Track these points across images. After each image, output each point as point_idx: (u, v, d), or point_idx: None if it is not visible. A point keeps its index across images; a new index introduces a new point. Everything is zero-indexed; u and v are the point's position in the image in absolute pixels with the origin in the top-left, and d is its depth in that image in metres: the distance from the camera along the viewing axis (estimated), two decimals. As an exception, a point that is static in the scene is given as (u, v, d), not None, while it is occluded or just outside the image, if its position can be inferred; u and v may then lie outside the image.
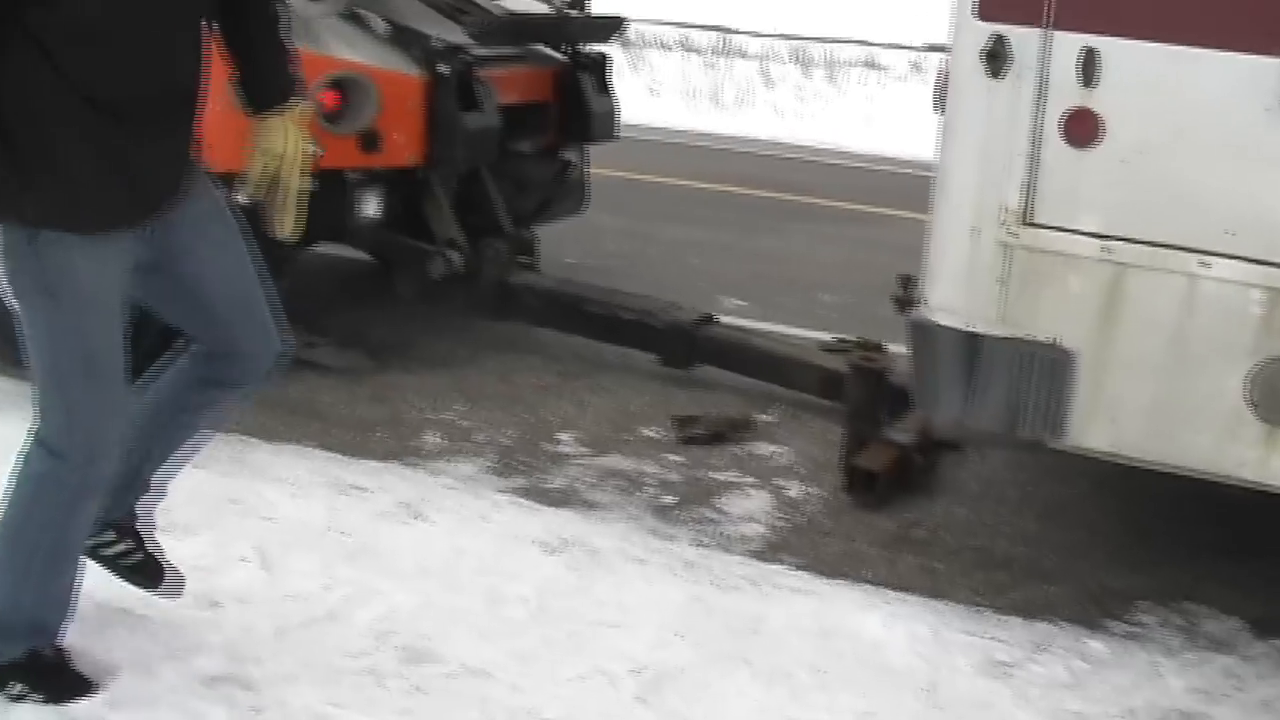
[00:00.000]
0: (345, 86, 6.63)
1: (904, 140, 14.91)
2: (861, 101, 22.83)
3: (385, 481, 5.72)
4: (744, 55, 27.38)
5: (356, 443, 6.21)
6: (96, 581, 4.19)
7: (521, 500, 5.72)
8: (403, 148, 6.90)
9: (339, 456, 5.95)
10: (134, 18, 3.48)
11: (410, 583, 4.79)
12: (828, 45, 26.84)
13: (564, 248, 9.55)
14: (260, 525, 5.18)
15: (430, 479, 5.86)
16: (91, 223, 3.58)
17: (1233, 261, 4.38)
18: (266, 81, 3.89)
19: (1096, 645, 4.83)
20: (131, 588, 4.30)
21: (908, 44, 24.38)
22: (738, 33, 27.62)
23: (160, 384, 4.11)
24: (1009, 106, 4.51)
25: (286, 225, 3.89)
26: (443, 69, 6.92)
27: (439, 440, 6.36)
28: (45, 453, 3.76)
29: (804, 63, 26.75)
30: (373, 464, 5.93)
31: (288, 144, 3.84)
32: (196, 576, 4.62)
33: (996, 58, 4.48)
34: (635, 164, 12.90)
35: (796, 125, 20.34)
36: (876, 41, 26.87)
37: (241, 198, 3.89)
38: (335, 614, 4.57)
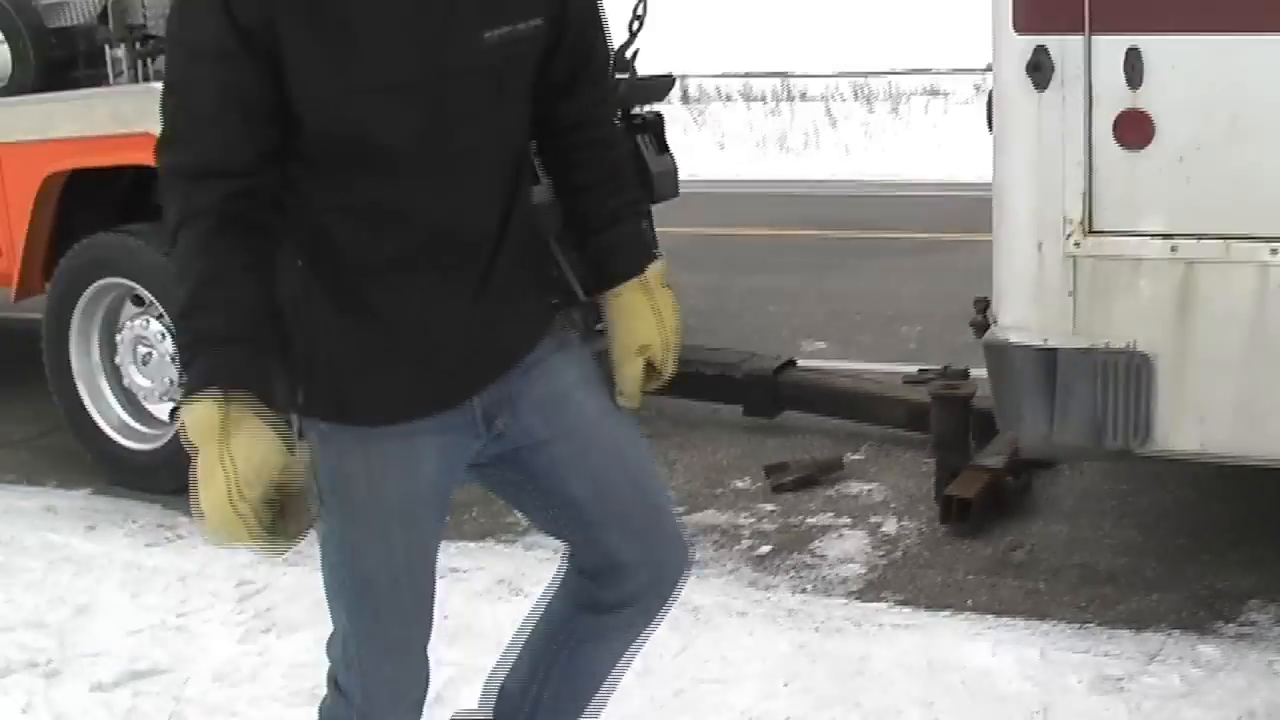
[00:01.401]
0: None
1: (972, 163, 14.84)
2: (927, 130, 22.79)
3: (482, 560, 5.72)
4: (806, 97, 27.42)
5: (451, 525, 6.18)
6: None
7: (620, 565, 5.69)
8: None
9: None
10: (438, 185, 2.77)
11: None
12: (889, 78, 26.84)
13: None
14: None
15: (526, 553, 5.84)
16: (363, 412, 2.86)
17: (1303, 246, 4.31)
18: (612, 242, 3.00)
19: (1209, 650, 4.74)
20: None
21: (969, 67, 24.27)
22: (798, 76, 27.67)
23: (548, 608, 3.34)
24: (1058, 116, 4.47)
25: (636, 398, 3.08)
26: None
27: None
28: (331, 685, 3.17)
29: (867, 98, 26.75)
30: (469, 544, 5.93)
31: (664, 328, 3.01)
32: (300, 674, 4.64)
33: (1040, 69, 4.44)
34: (706, 219, 12.90)
35: (864, 161, 20.32)
36: (938, 69, 26.85)
37: (623, 404, 3.05)
38: (442, 697, 4.52)
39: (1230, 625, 4.97)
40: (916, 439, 6.59)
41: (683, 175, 8.42)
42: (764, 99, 27.54)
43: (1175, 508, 5.94)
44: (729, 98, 27.95)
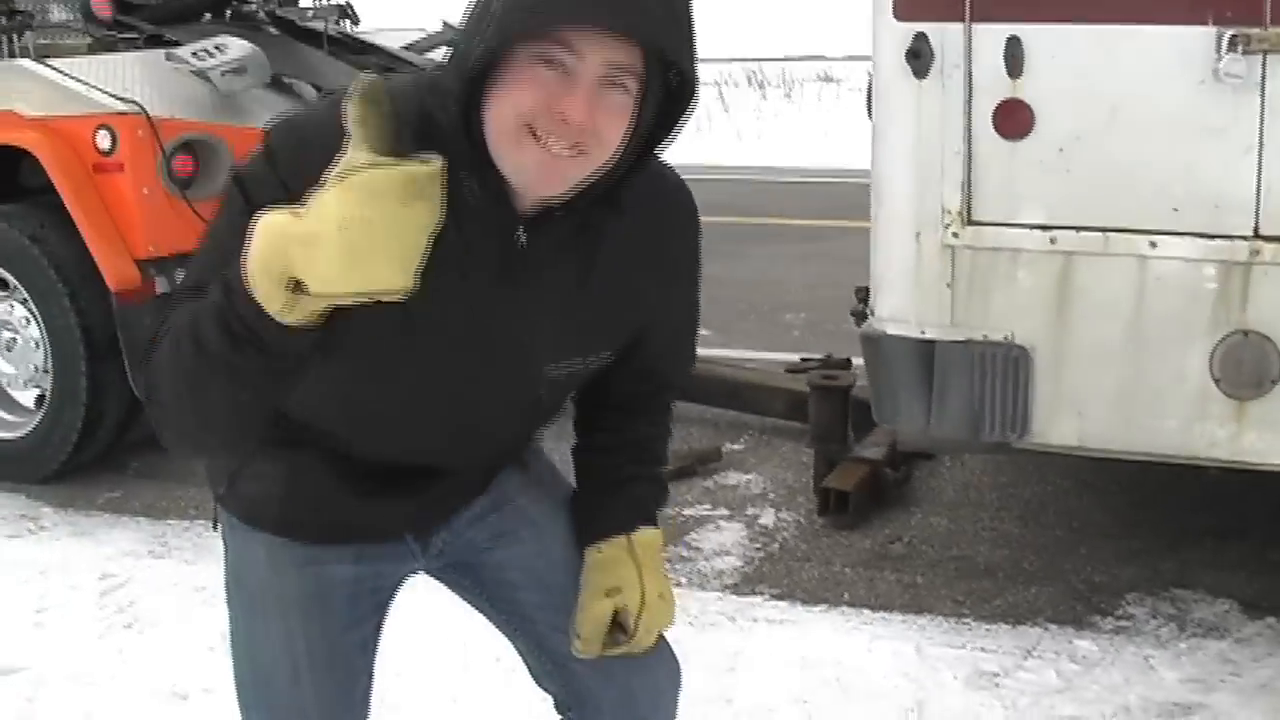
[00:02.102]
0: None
1: (862, 151, 14.83)
2: (819, 117, 22.85)
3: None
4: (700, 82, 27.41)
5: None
6: None
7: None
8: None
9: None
10: (437, 449, 2.57)
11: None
12: (783, 64, 26.89)
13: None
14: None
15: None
16: (275, 530, 2.63)
17: (1181, 238, 4.25)
18: (611, 501, 2.72)
19: (1086, 645, 4.72)
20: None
21: (863, 54, 24.28)
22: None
23: None
24: (937, 105, 4.39)
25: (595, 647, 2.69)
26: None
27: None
28: None
29: (760, 84, 26.78)
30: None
31: (644, 587, 2.66)
32: (160, 673, 4.51)
33: (919, 56, 4.36)
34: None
35: (756, 147, 20.34)
36: (831, 56, 26.90)
37: (578, 650, 2.67)
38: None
39: (1107, 619, 4.94)
40: (796, 430, 6.52)
41: None
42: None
43: (1055, 500, 5.92)
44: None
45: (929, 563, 5.46)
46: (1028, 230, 4.38)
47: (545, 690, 2.89)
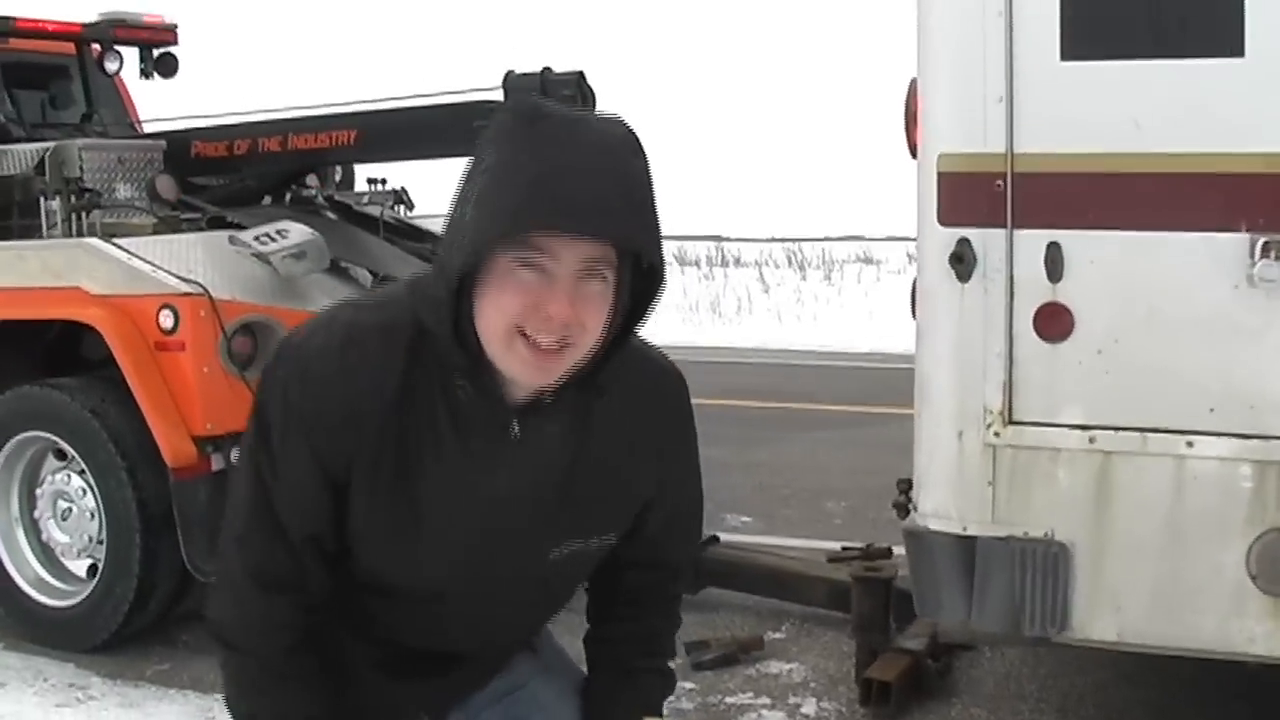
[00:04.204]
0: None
1: (903, 335, 14.92)
2: (859, 298, 22.98)
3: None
4: (739, 263, 27.62)
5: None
6: None
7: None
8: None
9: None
10: (450, 636, 2.76)
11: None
12: (822, 245, 27.08)
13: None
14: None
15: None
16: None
17: (1218, 439, 4.37)
18: (616, 690, 2.89)
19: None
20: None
21: (902, 235, 24.59)
22: (732, 240, 27.86)
23: None
24: (979, 307, 4.52)
25: None
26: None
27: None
28: None
29: (800, 265, 26.96)
30: None
31: None
32: None
33: (962, 260, 4.50)
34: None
35: (796, 329, 20.47)
36: (871, 236, 27.10)
37: None
38: None
39: (1147, 816, 4.96)
40: (838, 619, 6.58)
41: None
42: (697, 264, 27.73)
43: (1094, 692, 5.94)
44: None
45: (970, 753, 5.49)
46: (1068, 430, 4.50)
47: None
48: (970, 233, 4.50)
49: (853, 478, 9.73)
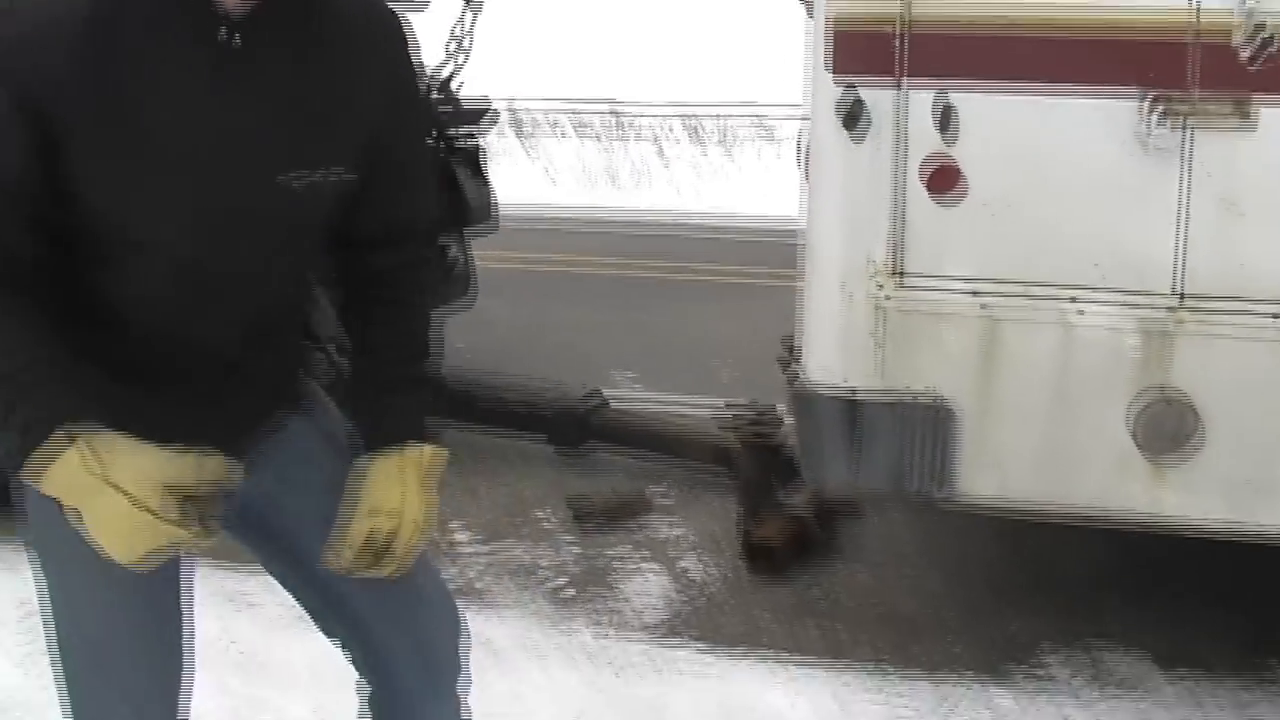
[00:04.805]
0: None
1: (797, 203, 14.85)
2: (760, 174, 22.87)
3: (279, 591, 5.57)
4: (639, 134, 27.41)
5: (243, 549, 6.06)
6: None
7: (416, 598, 5.58)
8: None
9: (228, 565, 5.79)
10: (192, 300, 2.55)
11: (303, 693, 4.67)
12: (723, 121, 26.90)
13: (455, 337, 9.43)
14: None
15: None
16: None
17: (1105, 301, 4.34)
18: (381, 409, 2.72)
19: (1003, 699, 4.76)
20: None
21: (800, 104, 24.31)
22: (628, 104, 27.64)
23: None
24: (870, 163, 4.45)
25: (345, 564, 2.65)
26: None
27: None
28: None
29: (699, 138, 26.80)
30: (260, 571, 5.77)
31: (406, 503, 2.64)
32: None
33: (855, 117, 4.42)
34: (532, 251, 12.82)
35: (694, 200, 20.35)
36: (767, 101, 26.92)
37: (332, 564, 2.64)
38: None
39: (1026, 672, 4.99)
40: (725, 480, 6.55)
41: (514, 207, 8.34)
42: (597, 137, 27.49)
43: (978, 554, 5.96)
44: (562, 132, 27.86)
45: (851, 614, 5.50)
46: (956, 289, 4.45)
47: (336, 639, 2.91)
48: (863, 88, 4.42)
49: (741, 340, 9.65)
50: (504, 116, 27.69)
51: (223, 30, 2.35)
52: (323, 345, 7.05)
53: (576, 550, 6.14)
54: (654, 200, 20.19)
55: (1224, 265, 4.25)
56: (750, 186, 20.86)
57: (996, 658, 5.09)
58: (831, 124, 4.47)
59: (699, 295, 11.63)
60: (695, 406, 7.59)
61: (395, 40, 2.67)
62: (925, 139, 4.39)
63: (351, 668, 2.96)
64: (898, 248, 4.47)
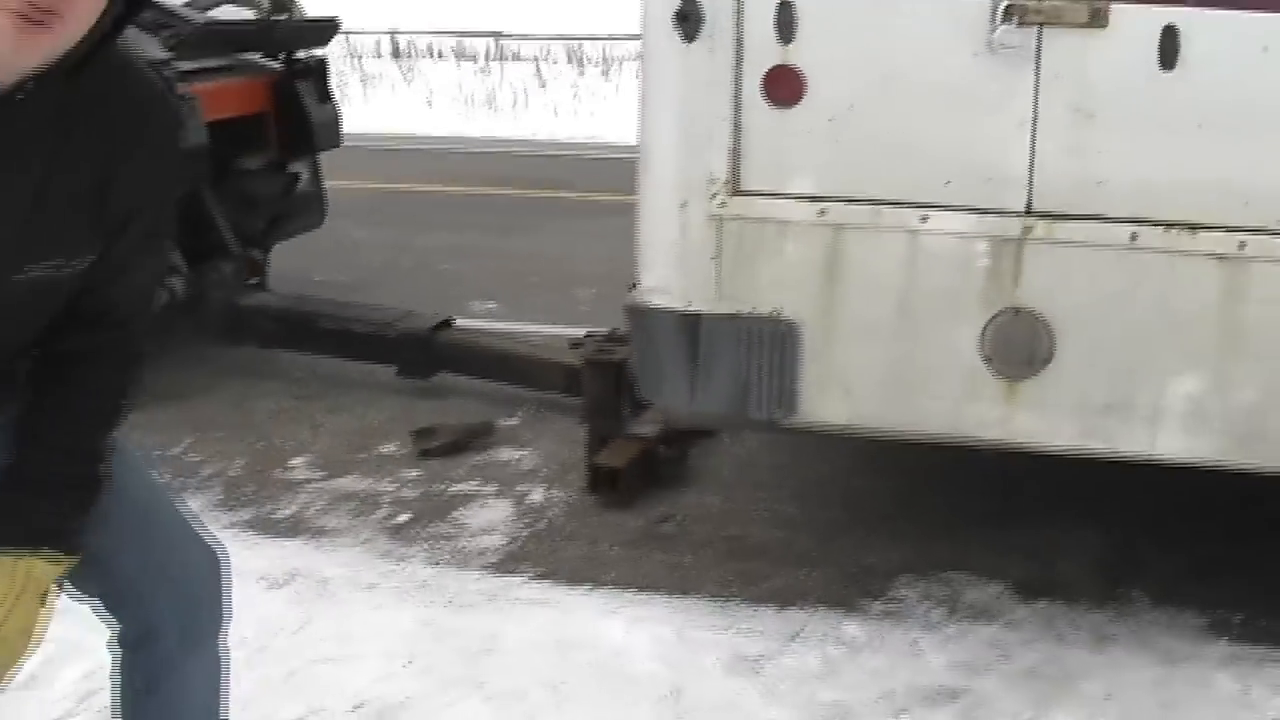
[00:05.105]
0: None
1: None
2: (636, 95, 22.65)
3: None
4: (519, 59, 27.13)
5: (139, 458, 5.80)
6: None
7: (246, 534, 5.35)
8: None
9: None
10: None
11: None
12: (603, 42, 26.65)
13: (314, 264, 9.22)
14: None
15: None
16: None
17: (953, 213, 4.13)
18: (11, 502, 2.51)
19: (852, 629, 4.59)
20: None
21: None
22: (511, 36, 27.37)
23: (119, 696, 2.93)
24: (706, 69, 4.21)
25: None
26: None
27: (161, 478, 5.93)
28: None
29: (579, 61, 26.56)
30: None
31: (5, 620, 2.44)
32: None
33: (688, 18, 4.18)
34: (404, 175, 12.57)
35: (573, 124, 20.17)
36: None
37: None
38: (36, 677, 4.16)
39: (877, 602, 4.82)
40: (575, 405, 6.32)
41: (389, 131, 8.15)
42: (475, 59, 27.20)
43: (835, 480, 5.79)
44: (440, 55, 27.53)
45: (699, 543, 5.30)
46: (797, 201, 4.24)
47: (88, 597, 2.78)
48: (697, -14, 4.19)
49: (604, 266, 9.45)
50: (385, 43, 27.51)
51: None
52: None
53: (418, 482, 5.91)
54: (532, 125, 19.95)
55: (1076, 175, 4.05)
56: (629, 110, 20.62)
57: (848, 587, 4.92)
58: (664, 26, 4.22)
59: (569, 220, 11.42)
60: (552, 337, 7.38)
61: (162, 131, 2.49)
62: (763, 41, 4.16)
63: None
64: (735, 158, 4.24)
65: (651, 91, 4.37)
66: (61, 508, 2.52)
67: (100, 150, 2.32)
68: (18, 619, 2.44)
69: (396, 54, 27.26)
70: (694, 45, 4.21)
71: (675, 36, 4.21)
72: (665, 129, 4.34)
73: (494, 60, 27.05)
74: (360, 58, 26.57)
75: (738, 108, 4.21)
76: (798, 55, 4.16)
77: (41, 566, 2.47)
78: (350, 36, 27.34)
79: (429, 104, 22.69)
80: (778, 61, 4.17)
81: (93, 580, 2.70)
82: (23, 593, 2.44)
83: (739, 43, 4.18)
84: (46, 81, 2.19)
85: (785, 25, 4.13)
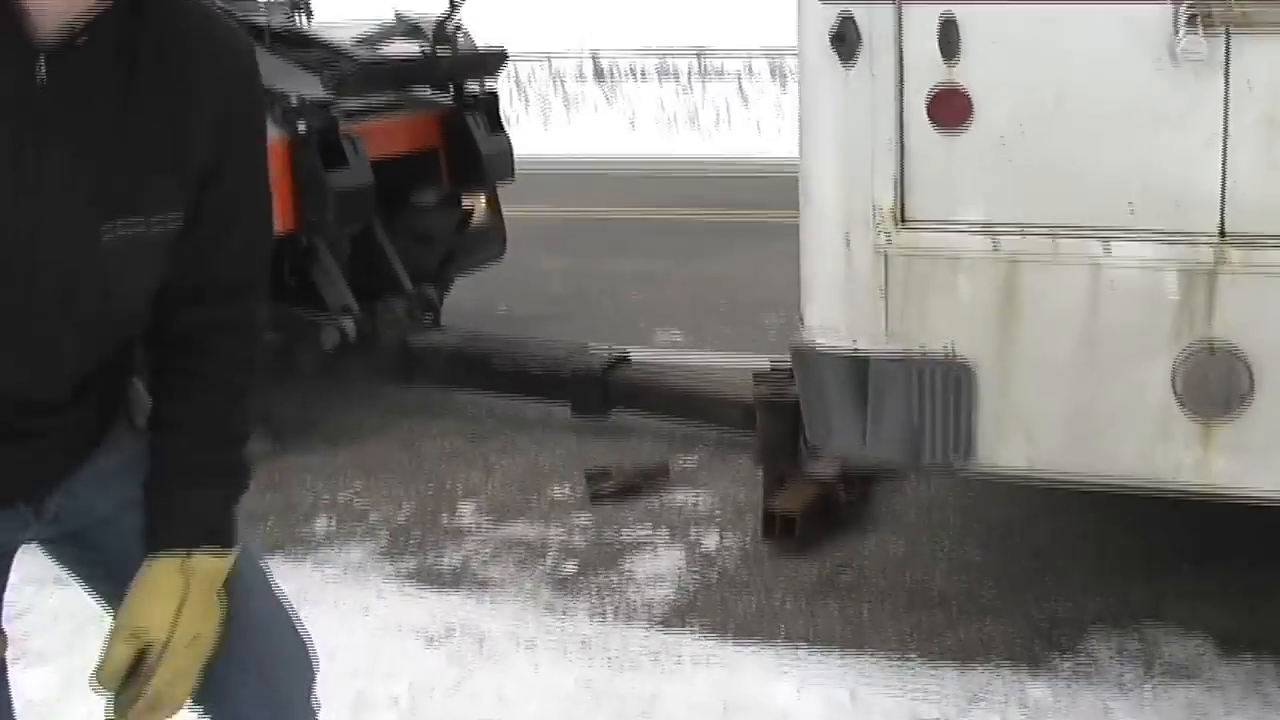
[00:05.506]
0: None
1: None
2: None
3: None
4: (722, 75, 27.05)
5: (242, 537, 5.66)
6: None
7: (409, 585, 5.19)
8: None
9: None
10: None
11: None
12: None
13: (499, 295, 9.11)
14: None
15: (313, 570, 5.33)
16: None
17: (1138, 240, 3.81)
18: (177, 503, 2.37)
19: (1039, 690, 4.26)
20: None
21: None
22: (713, 53, 27.31)
23: None
24: (866, 92, 3.96)
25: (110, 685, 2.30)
26: (301, 127, 6.40)
27: (329, 525, 5.82)
28: None
29: (781, 77, 26.39)
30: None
31: (180, 627, 2.30)
32: (34, 710, 4.09)
33: (844, 39, 3.93)
34: (600, 200, 12.44)
35: (776, 141, 19.92)
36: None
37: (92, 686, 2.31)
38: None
39: (1067, 659, 4.49)
40: (754, 442, 6.04)
41: (591, 154, 8.05)
42: (677, 77, 27.18)
43: (1023, 524, 5.44)
44: (643, 74, 27.54)
45: (878, 593, 5.00)
46: (968, 231, 3.95)
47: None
48: (854, 7, 3.92)
49: (796, 291, 9.20)
50: (587, 65, 27.59)
51: (40, 65, 2.02)
52: (330, 313, 6.71)
53: (587, 528, 5.69)
54: (734, 143, 19.76)
55: (1275, 193, 3.70)
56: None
57: (1036, 643, 4.58)
58: (820, 48, 3.98)
59: (763, 242, 11.12)
60: (736, 364, 7.13)
61: (238, 69, 2.30)
62: (926, 61, 3.89)
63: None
64: (900, 187, 3.96)
65: (810, 117, 4.13)
66: (216, 498, 2.39)
67: (172, 90, 2.16)
68: (211, 619, 2.35)
69: (599, 75, 27.30)
70: (853, 68, 3.95)
71: (833, 59, 3.97)
72: (825, 157, 4.10)
73: (696, 78, 27.00)
74: (563, 80, 26.67)
75: (901, 133, 3.95)
76: (964, 75, 3.88)
77: (210, 562, 2.34)
78: (552, 59, 27.52)
79: (631, 125, 22.64)
80: (942, 82, 3.89)
81: None
82: (206, 591, 2.34)
83: (900, 64, 3.93)
84: (106, 23, 2.06)
85: (949, 43, 3.87)
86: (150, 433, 2.41)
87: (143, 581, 2.30)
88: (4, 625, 2.41)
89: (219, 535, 2.36)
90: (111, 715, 2.28)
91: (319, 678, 2.68)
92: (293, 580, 4.95)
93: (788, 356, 6.11)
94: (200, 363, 2.38)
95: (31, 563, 2.44)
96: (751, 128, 21.77)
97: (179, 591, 2.29)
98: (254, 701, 2.53)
